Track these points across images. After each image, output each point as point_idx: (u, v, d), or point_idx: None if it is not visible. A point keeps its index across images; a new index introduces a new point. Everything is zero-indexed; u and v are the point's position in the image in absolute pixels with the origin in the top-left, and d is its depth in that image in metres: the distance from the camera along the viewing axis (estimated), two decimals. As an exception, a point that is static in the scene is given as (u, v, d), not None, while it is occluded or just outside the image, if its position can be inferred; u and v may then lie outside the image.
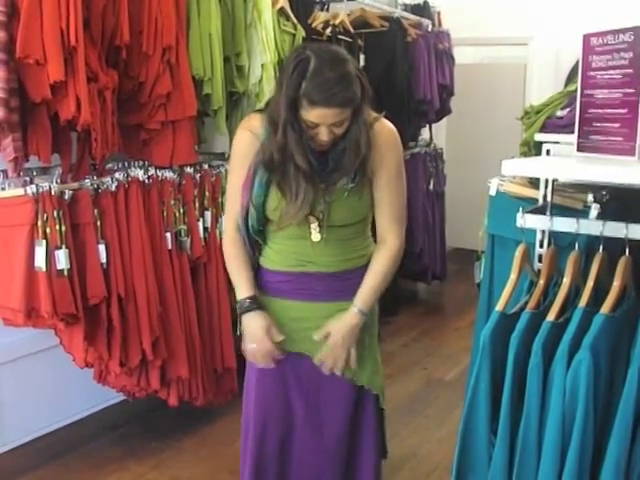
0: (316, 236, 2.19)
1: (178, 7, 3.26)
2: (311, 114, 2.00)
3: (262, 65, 3.70)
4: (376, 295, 2.29)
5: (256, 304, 2.26)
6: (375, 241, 2.35)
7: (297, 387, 2.34)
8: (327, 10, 4.90)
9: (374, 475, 2.44)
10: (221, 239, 3.60)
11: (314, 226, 2.18)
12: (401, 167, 2.28)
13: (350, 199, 2.17)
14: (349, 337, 2.23)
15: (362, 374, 2.35)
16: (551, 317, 1.95)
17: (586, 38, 2.11)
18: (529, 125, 2.77)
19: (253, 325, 2.24)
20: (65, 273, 2.91)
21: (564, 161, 2.20)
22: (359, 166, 2.14)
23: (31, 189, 2.85)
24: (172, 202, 3.35)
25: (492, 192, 2.73)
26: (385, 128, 2.22)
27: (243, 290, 2.27)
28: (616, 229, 1.98)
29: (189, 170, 3.48)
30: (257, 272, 2.34)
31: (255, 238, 2.28)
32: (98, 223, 3.05)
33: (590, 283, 1.99)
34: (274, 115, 2.09)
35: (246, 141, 2.21)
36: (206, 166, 3.63)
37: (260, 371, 2.32)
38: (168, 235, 3.35)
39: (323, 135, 2.04)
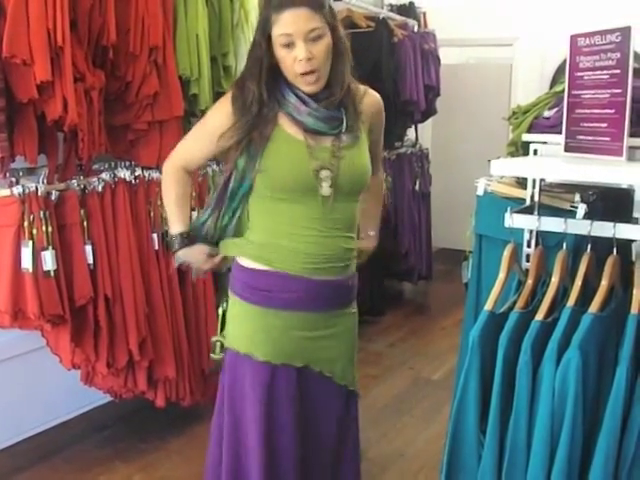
0: (327, 190, 2.09)
1: (165, 7, 3.24)
2: (281, 23, 1.98)
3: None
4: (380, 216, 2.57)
5: (191, 240, 2.28)
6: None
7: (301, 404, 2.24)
8: (313, 10, 4.89)
9: (358, 472, 2.44)
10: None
11: (325, 175, 2.09)
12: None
13: (356, 157, 2.16)
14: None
15: (353, 378, 2.35)
16: (540, 316, 1.97)
17: (573, 39, 2.13)
18: (516, 125, 2.78)
19: (193, 252, 2.29)
20: (52, 274, 2.90)
21: (551, 161, 2.22)
22: (350, 109, 2.14)
23: (17, 190, 2.84)
24: (159, 202, 3.33)
25: (480, 192, 2.74)
26: (369, 89, 2.28)
27: (180, 225, 2.28)
28: (604, 229, 1.99)
29: (176, 170, 3.47)
30: (243, 273, 2.23)
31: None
32: (85, 224, 3.04)
33: (578, 283, 2.00)
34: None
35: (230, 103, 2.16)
36: (193, 167, 3.62)
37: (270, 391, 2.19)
38: (155, 236, 3.34)
39: (301, 51, 1.98)
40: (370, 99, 2.25)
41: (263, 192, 2.14)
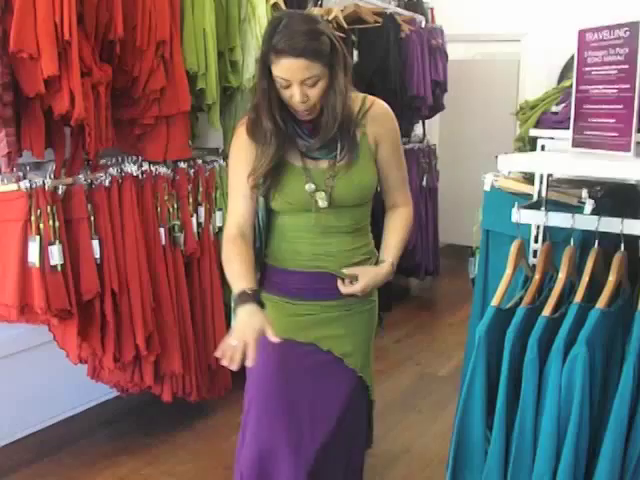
0: (320, 208, 2.17)
1: (172, 2, 3.24)
2: (279, 67, 2.01)
3: (256, 60, 3.69)
4: (402, 249, 2.32)
5: (258, 296, 2.05)
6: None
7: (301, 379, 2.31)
8: (321, 5, 4.89)
9: (361, 460, 2.50)
10: (215, 234, 3.63)
11: (320, 195, 2.16)
12: (399, 136, 2.32)
13: (352, 175, 2.18)
14: (374, 284, 2.26)
15: (363, 367, 2.37)
16: (546, 312, 1.96)
17: (581, 34, 2.12)
18: (524, 120, 2.77)
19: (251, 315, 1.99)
20: (59, 269, 2.90)
21: (559, 156, 2.21)
22: (345, 135, 2.15)
23: (24, 184, 2.85)
24: (166, 197, 3.35)
25: (487, 187, 2.73)
26: (377, 101, 2.26)
27: (245, 282, 2.05)
28: (611, 224, 1.98)
29: (183, 165, 3.48)
30: (265, 271, 2.34)
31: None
32: (92, 218, 3.05)
33: (585, 278, 1.99)
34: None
35: (244, 134, 2.21)
36: (200, 161, 3.63)
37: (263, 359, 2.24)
38: (162, 230, 3.34)
39: (296, 95, 2.03)
40: (375, 110, 2.23)
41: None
